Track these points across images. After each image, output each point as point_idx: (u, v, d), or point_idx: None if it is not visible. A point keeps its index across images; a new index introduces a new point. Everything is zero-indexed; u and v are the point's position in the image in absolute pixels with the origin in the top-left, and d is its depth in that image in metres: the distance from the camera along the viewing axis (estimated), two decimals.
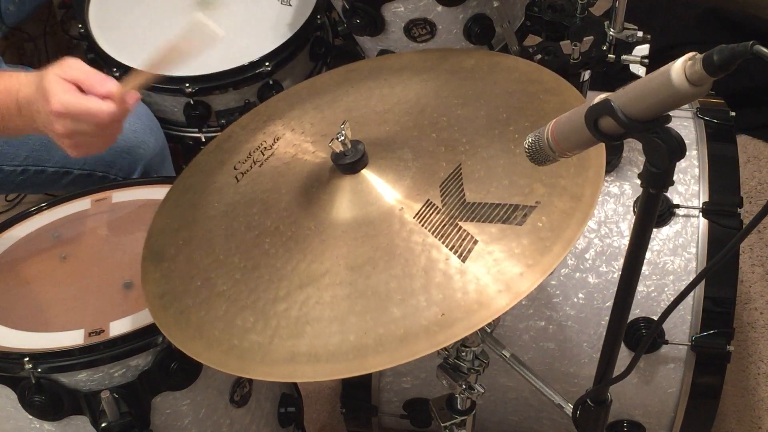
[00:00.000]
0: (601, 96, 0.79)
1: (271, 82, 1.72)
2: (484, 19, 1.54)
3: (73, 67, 1.15)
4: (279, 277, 1.03)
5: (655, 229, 1.35)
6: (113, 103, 1.14)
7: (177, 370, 1.20)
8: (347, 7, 1.57)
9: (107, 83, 1.14)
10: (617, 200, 1.47)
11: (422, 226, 1.01)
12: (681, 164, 1.47)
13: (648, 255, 1.03)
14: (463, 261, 0.96)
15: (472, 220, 1.00)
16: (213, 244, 1.13)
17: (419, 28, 1.55)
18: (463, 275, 0.95)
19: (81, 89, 1.14)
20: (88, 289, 1.30)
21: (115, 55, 1.74)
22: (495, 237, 0.97)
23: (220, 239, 1.13)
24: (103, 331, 1.20)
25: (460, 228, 0.99)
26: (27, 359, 1.15)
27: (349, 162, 1.07)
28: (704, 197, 1.44)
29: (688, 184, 1.46)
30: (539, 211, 0.99)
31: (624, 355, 1.40)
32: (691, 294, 1.40)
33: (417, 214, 1.03)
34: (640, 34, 1.36)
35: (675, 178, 0.88)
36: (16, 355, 1.16)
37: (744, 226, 1.35)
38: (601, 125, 0.80)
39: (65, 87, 1.13)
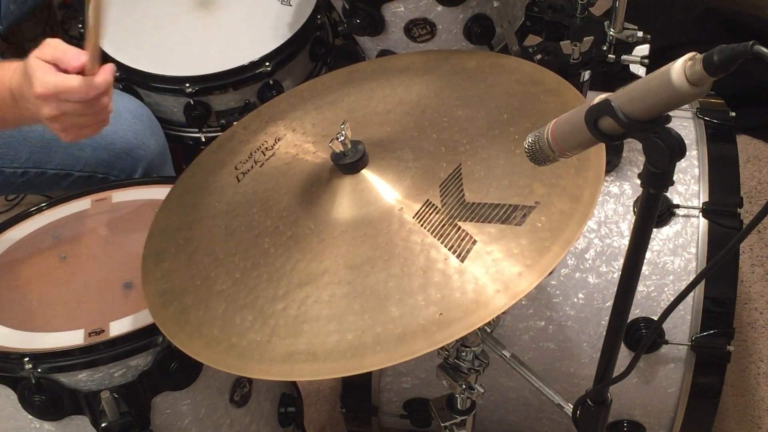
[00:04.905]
0: (601, 96, 0.79)
1: (271, 82, 1.72)
2: (484, 19, 1.54)
3: (50, 45, 1.13)
4: (278, 277, 1.03)
5: (655, 229, 1.35)
6: (91, 77, 1.12)
7: (177, 370, 1.20)
8: (347, 7, 1.57)
9: (80, 57, 1.12)
10: (617, 200, 1.47)
11: (421, 226, 1.01)
12: (681, 164, 1.47)
13: (648, 255, 1.03)
14: (462, 261, 0.96)
15: (471, 220, 0.99)
16: (213, 243, 1.13)
17: (419, 28, 1.55)
18: (462, 275, 0.95)
19: (60, 68, 1.12)
20: (88, 289, 1.30)
21: (115, 55, 1.74)
22: (494, 237, 0.97)
23: (221, 239, 1.13)
24: (103, 331, 1.20)
25: (459, 228, 0.99)
26: (27, 359, 1.15)
27: (349, 162, 1.07)
28: (704, 197, 1.44)
29: (688, 184, 1.46)
30: (539, 211, 0.98)
31: (624, 355, 1.40)
32: (691, 294, 1.40)
33: (416, 214, 1.02)
34: (640, 34, 1.36)
35: (675, 178, 0.88)
36: (16, 355, 1.16)
37: (744, 226, 1.35)
38: (601, 125, 0.80)
39: (45, 68, 1.11)
